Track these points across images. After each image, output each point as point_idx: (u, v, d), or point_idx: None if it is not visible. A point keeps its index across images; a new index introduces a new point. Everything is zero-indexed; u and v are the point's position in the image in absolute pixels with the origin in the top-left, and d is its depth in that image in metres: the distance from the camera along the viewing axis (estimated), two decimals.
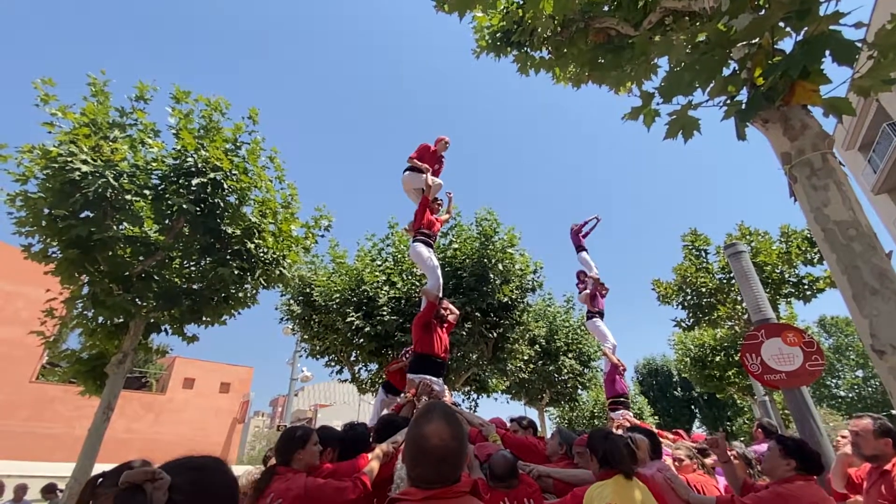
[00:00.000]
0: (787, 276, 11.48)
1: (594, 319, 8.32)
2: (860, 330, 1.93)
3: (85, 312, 6.39)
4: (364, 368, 12.45)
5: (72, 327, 6.54)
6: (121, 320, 6.43)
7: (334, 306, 11.19)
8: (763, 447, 3.66)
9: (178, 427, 21.39)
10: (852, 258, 1.94)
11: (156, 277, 6.47)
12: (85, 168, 5.40)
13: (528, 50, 4.59)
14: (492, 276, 10.81)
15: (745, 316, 11.36)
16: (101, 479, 1.89)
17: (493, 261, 10.89)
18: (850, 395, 32.68)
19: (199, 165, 6.09)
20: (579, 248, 9.01)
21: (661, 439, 4.97)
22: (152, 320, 6.65)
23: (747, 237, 12.09)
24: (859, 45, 2.04)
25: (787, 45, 2.26)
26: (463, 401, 13.68)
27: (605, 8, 3.92)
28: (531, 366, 15.28)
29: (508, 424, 3.98)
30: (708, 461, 4.40)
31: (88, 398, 7.19)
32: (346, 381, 12.66)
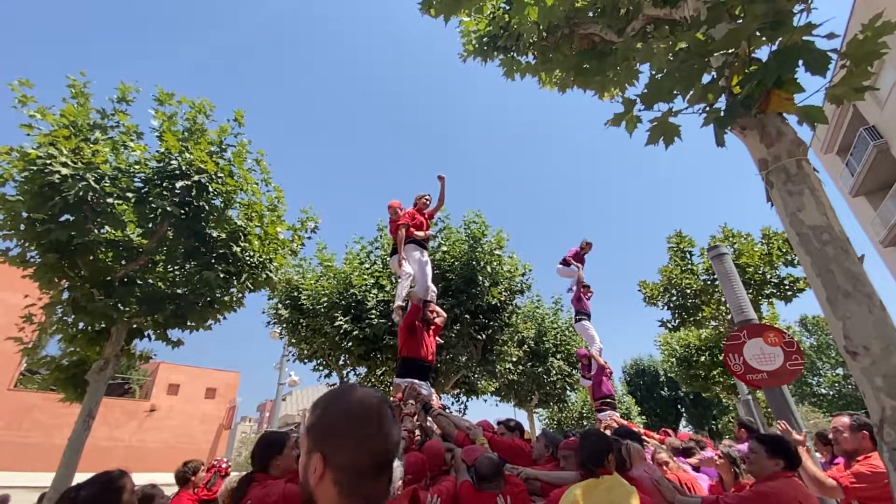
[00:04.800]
0: (768, 276, 11.73)
1: (583, 321, 8.41)
2: (834, 332, 1.99)
3: (65, 318, 6.25)
4: (353, 372, 12.39)
5: (51, 333, 6.39)
6: (102, 326, 6.29)
7: (322, 310, 11.12)
8: (746, 446, 3.75)
9: (163, 434, 20.99)
10: (826, 262, 1.99)
11: (139, 282, 6.35)
12: (65, 171, 5.29)
13: (515, 55, 4.62)
14: (480, 278, 10.85)
15: (729, 316, 11.57)
16: (75, 493, 1.85)
17: (482, 263, 10.93)
18: (831, 392, 33.38)
19: (184, 168, 6.00)
20: (566, 262, 8.94)
21: (647, 439, 5.05)
22: (135, 326, 6.53)
23: (730, 239, 12.32)
24: (832, 55, 2.10)
25: (763, 53, 2.32)
26: (452, 403, 13.70)
27: (590, 14, 3.97)
28: (520, 367, 15.36)
29: (495, 427, 3.99)
30: (693, 460, 4.49)
31: (69, 406, 7.02)
32: (334, 385, 12.58)
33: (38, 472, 14.21)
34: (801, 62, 2.04)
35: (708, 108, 2.37)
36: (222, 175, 6.35)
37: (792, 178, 2.13)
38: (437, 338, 5.02)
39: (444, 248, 11.32)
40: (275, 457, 2.20)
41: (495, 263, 11.23)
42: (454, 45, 5.05)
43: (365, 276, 11.37)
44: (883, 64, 14.17)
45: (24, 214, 5.46)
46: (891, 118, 15.35)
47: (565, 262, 8.91)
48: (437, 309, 4.97)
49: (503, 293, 11.48)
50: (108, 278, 6.07)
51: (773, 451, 2.52)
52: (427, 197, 5.83)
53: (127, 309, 6.15)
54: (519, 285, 12.18)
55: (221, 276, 6.44)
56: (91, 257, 5.89)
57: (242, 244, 6.68)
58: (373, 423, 0.90)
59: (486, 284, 10.98)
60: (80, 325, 6.25)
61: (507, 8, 4.42)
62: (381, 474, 0.89)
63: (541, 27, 4.01)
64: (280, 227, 7.25)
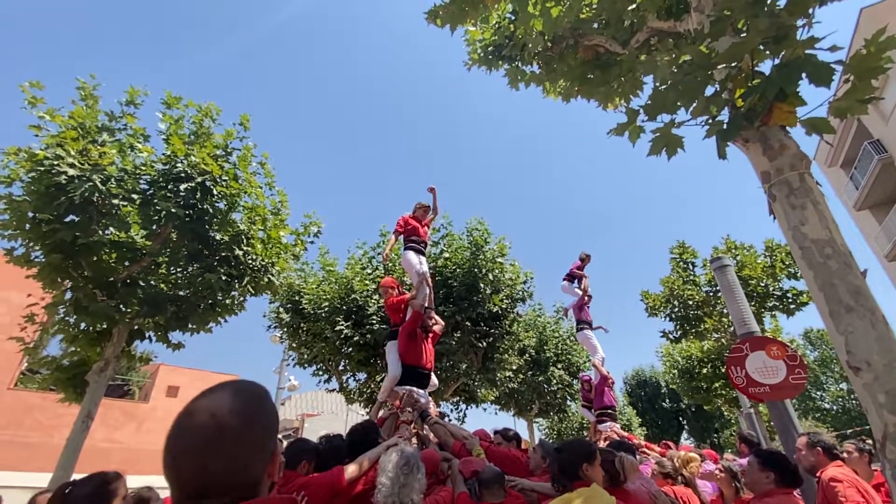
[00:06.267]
0: (771, 289, 11.66)
1: (584, 330, 8.36)
2: (836, 346, 1.97)
3: (67, 318, 6.27)
4: (352, 378, 12.33)
5: (53, 333, 6.41)
6: (104, 327, 6.31)
7: (323, 314, 11.10)
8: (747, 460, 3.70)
9: (161, 436, 20.45)
10: (829, 276, 1.98)
11: (141, 283, 6.37)
12: (72, 171, 5.34)
13: (519, 64, 4.66)
14: (482, 285, 10.82)
15: (732, 328, 11.49)
16: (70, 488, 1.85)
17: (484, 270, 10.91)
18: (835, 407, 33.02)
19: (189, 171, 6.06)
20: (571, 277, 8.90)
21: (647, 451, 5.00)
22: (136, 327, 6.54)
23: (733, 251, 12.27)
24: (836, 66, 2.11)
25: (766, 67, 2.33)
26: (451, 411, 13.59)
27: (595, 25, 4.00)
28: (521, 376, 15.25)
29: (492, 437, 3.96)
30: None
31: (68, 406, 7.03)
32: (333, 390, 12.53)
33: (37, 472, 14.18)
34: (804, 75, 2.04)
35: (711, 121, 2.37)
36: (227, 178, 6.40)
37: (794, 191, 2.13)
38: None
39: (447, 255, 11.32)
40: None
41: (497, 271, 11.21)
42: (458, 53, 5.10)
43: (367, 282, 11.36)
44: (888, 78, 14.18)
45: (30, 214, 5.50)
46: None
47: (570, 278, 8.87)
48: (436, 317, 4.97)
49: (504, 301, 11.44)
50: (111, 279, 6.09)
51: (765, 463, 2.48)
52: (426, 206, 5.92)
53: (128, 310, 6.17)
54: (520, 293, 12.15)
55: (223, 278, 6.46)
56: (95, 258, 5.92)
57: (245, 247, 6.70)
58: None
59: (488, 292, 10.96)
60: (82, 325, 6.27)
61: (513, 18, 4.47)
62: None
63: (546, 37, 4.05)
64: (283, 231, 7.29)
